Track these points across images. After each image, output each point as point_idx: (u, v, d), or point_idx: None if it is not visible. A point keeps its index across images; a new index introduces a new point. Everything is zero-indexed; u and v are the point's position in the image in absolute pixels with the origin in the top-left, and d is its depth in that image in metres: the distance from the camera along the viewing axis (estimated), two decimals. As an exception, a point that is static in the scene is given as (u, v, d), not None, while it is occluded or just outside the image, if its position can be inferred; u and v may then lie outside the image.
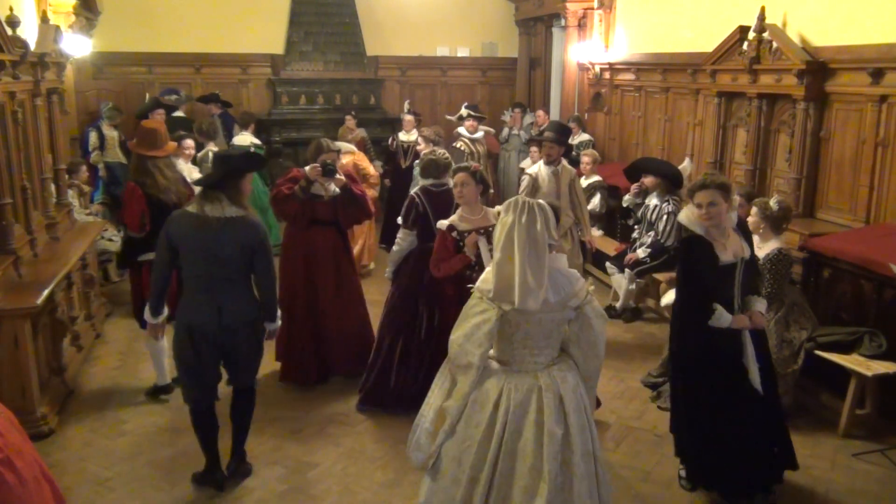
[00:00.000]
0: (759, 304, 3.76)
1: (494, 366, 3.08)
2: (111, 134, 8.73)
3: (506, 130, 10.20)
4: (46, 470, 2.92)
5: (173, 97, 9.40)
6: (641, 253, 6.39)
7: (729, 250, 3.66)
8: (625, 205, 6.78)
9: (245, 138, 8.64)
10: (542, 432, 2.90)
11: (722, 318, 3.62)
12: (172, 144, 5.17)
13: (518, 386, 2.98)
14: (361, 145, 8.65)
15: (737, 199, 5.23)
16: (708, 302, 3.63)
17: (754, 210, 4.84)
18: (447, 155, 4.93)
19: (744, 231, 3.82)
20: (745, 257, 3.70)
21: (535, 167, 6.17)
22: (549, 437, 2.89)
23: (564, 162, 6.13)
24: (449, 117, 9.75)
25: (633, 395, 5.21)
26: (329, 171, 4.94)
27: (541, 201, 2.99)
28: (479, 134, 8.42)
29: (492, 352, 3.09)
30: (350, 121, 9.29)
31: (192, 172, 6.32)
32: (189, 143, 6.67)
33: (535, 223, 2.85)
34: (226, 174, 3.71)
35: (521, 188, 6.23)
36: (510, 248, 2.87)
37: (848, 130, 5.66)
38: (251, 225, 3.73)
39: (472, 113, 8.56)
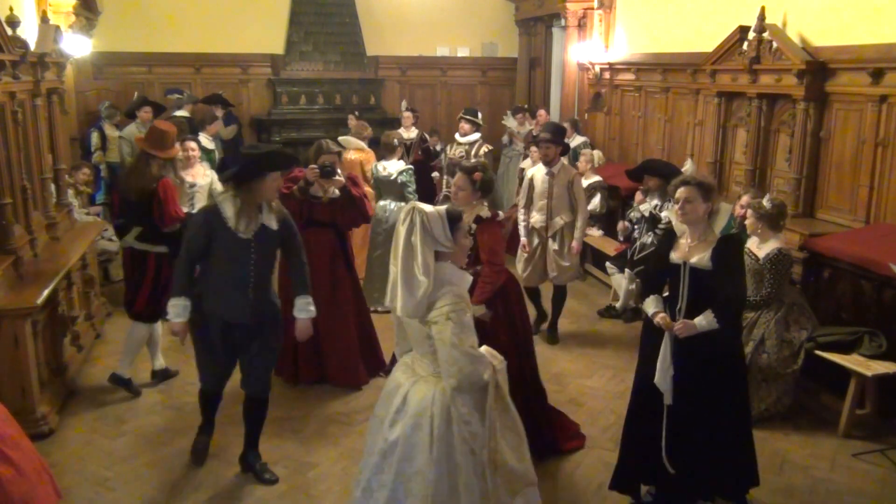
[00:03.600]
0: (702, 318, 3.47)
1: (403, 360, 3.20)
2: (113, 134, 8.75)
3: (505, 137, 10.05)
4: (47, 466, 2.92)
5: (175, 96, 9.39)
6: (647, 239, 6.44)
7: (680, 252, 3.59)
8: (645, 213, 6.50)
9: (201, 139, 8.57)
10: (381, 428, 3.04)
11: (647, 304, 3.70)
12: (177, 149, 5.16)
13: (398, 380, 3.09)
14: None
15: (745, 199, 5.25)
16: (650, 290, 3.75)
17: (749, 212, 4.85)
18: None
19: (726, 244, 3.55)
20: (693, 263, 3.52)
21: (534, 168, 6.17)
22: (382, 435, 3.03)
23: (564, 162, 6.06)
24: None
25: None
26: (327, 173, 4.94)
27: (434, 208, 2.96)
28: (472, 138, 8.16)
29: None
30: (353, 120, 9.31)
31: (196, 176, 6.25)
32: (190, 144, 6.36)
33: (413, 232, 2.86)
34: (239, 176, 3.74)
35: (521, 188, 6.25)
36: (394, 252, 2.94)
37: (848, 130, 5.66)
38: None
39: (463, 116, 8.36)
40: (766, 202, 4.79)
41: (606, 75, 9.34)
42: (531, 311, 6.19)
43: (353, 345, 5.24)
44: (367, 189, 7.43)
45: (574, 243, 6.06)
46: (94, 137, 8.67)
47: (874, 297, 5.00)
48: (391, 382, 3.14)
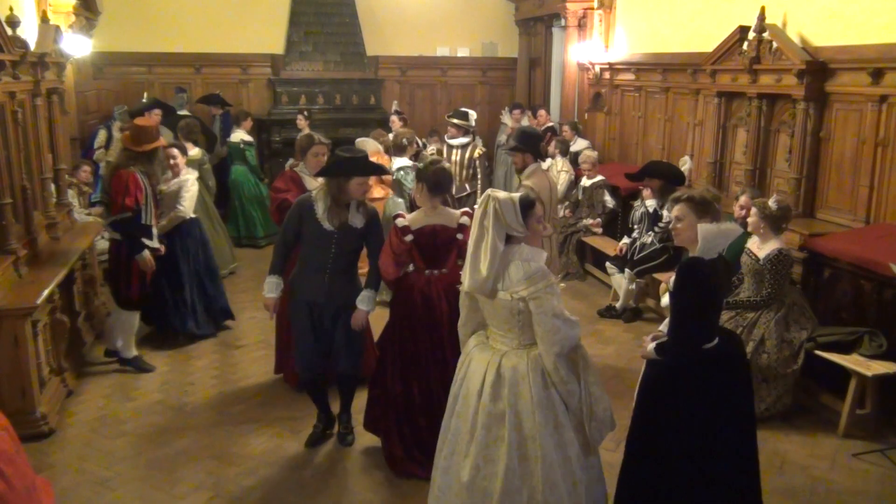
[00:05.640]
0: (651, 344, 3.35)
1: (474, 341, 3.37)
2: (119, 136, 8.77)
3: (503, 136, 10.01)
4: (38, 484, 2.91)
5: (184, 95, 9.47)
6: (647, 239, 6.45)
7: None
8: (650, 208, 6.61)
9: (237, 135, 8.87)
10: (479, 401, 3.18)
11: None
12: (158, 143, 5.36)
13: (479, 358, 3.25)
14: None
15: (743, 199, 5.25)
16: None
17: (753, 210, 4.85)
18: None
19: (682, 268, 3.23)
20: (669, 284, 3.35)
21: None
22: (482, 408, 3.17)
23: (538, 166, 5.47)
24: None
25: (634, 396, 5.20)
26: None
27: (508, 195, 3.16)
28: (461, 140, 7.76)
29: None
30: (301, 121, 9.33)
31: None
32: (171, 151, 6.01)
33: (487, 216, 3.10)
34: (327, 171, 4.11)
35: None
36: (471, 237, 3.18)
37: (848, 130, 5.66)
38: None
39: (449, 118, 8.02)
40: (772, 203, 4.77)
41: (606, 75, 9.34)
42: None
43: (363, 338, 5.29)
44: (383, 190, 7.47)
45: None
46: (101, 135, 8.70)
47: (874, 297, 5.00)
48: (471, 362, 3.28)
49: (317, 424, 4.55)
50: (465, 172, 7.59)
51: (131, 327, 5.55)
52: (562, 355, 3.08)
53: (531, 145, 5.47)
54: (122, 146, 5.34)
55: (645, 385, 3.44)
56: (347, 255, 4.18)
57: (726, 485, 3.27)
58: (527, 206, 3.14)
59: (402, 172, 6.74)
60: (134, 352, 5.58)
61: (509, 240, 3.12)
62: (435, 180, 4.05)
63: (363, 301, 4.19)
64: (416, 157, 7.02)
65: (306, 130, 9.22)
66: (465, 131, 7.72)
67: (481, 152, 7.78)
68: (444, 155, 7.83)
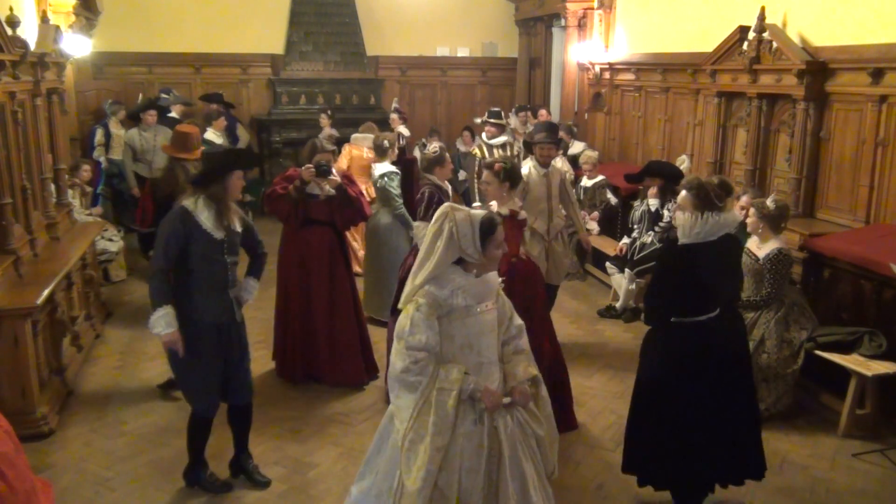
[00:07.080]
0: None
1: None
2: (118, 132, 8.78)
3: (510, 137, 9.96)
4: (37, 489, 2.91)
5: (167, 96, 9.43)
6: (647, 239, 6.48)
7: None
8: (652, 208, 6.59)
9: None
10: None
11: None
12: (199, 151, 5.31)
13: None
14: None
15: (745, 199, 5.25)
16: None
17: (752, 210, 4.85)
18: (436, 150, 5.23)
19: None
20: None
21: (525, 169, 5.69)
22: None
23: (554, 161, 5.92)
24: (476, 119, 9.65)
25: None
26: (323, 171, 4.94)
27: (469, 216, 2.87)
28: (500, 139, 7.80)
29: None
30: (325, 120, 9.35)
31: None
32: None
33: (439, 238, 2.83)
34: (206, 172, 3.78)
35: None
36: (423, 247, 2.92)
37: (848, 130, 5.66)
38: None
39: (488, 119, 8.05)
40: (769, 202, 4.78)
41: (606, 75, 9.34)
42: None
43: (354, 343, 5.24)
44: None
45: (585, 236, 6.27)
46: (99, 134, 8.71)
47: (874, 297, 5.00)
48: None
49: (211, 472, 4.00)
50: None
51: None
52: (389, 376, 2.87)
53: (558, 138, 6.08)
54: (173, 158, 5.22)
55: (644, 347, 3.76)
56: (236, 263, 3.85)
57: (725, 439, 3.57)
58: (488, 230, 2.85)
59: (385, 179, 6.31)
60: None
61: (460, 261, 2.87)
62: (517, 177, 4.56)
63: (250, 291, 4.00)
64: (400, 157, 6.83)
65: (328, 130, 9.22)
66: (502, 129, 7.85)
67: (518, 151, 7.81)
68: (488, 156, 7.70)
